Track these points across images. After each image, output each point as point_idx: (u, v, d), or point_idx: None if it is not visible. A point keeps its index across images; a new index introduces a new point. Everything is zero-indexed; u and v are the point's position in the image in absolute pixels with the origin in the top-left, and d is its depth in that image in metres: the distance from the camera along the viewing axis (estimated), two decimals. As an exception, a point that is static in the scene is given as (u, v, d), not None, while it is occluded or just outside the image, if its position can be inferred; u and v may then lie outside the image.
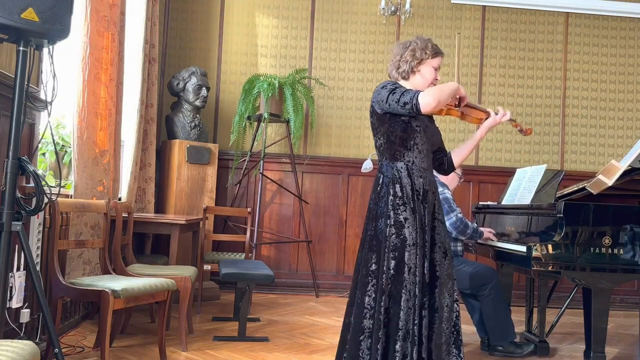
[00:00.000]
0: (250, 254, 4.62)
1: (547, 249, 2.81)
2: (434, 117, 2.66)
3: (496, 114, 2.60)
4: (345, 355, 2.38)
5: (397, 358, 2.22)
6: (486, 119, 2.59)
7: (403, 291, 2.25)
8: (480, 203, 4.10)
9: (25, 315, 2.74)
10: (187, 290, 3.25)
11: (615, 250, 2.80)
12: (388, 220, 2.32)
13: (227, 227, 5.30)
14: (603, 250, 2.80)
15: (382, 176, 2.43)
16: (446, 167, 2.64)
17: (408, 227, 2.30)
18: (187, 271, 3.42)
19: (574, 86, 5.85)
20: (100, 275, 3.10)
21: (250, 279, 3.53)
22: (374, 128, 2.48)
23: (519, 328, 3.71)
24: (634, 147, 2.83)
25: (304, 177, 5.60)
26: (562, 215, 2.84)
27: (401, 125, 2.38)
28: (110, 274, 3.15)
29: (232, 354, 3.22)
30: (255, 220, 5.00)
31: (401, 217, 2.31)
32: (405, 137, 2.39)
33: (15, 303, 2.60)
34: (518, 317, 3.83)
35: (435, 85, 2.50)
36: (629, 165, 2.76)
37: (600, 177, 2.76)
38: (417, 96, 2.29)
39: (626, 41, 5.90)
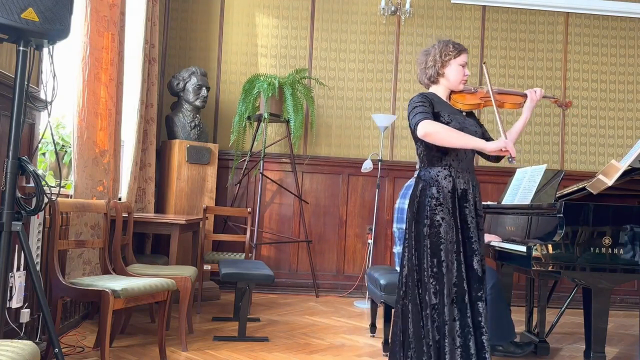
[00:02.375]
0: (250, 254, 4.62)
1: (547, 249, 2.81)
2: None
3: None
4: (406, 351, 2.44)
5: (447, 350, 2.32)
6: (524, 101, 2.61)
7: (445, 288, 2.35)
8: (480, 203, 4.09)
9: (25, 315, 2.74)
10: (187, 290, 3.25)
11: (615, 250, 2.79)
12: (426, 221, 2.41)
13: (227, 227, 5.30)
14: (603, 250, 2.79)
15: (419, 179, 2.51)
16: (494, 156, 2.65)
17: (444, 226, 2.39)
18: (187, 271, 3.42)
19: (574, 86, 5.85)
20: (100, 275, 3.10)
21: (250, 279, 3.53)
22: (414, 136, 2.52)
23: (519, 328, 3.71)
24: (634, 147, 2.83)
25: (304, 177, 5.60)
26: (562, 215, 2.83)
27: None
28: (110, 274, 3.15)
29: (232, 354, 3.22)
30: (255, 220, 5.00)
31: (438, 217, 2.40)
32: None
33: (15, 303, 2.60)
34: (518, 317, 3.83)
35: (465, 81, 2.56)
36: (629, 165, 2.76)
37: (600, 177, 2.76)
38: (419, 122, 2.35)
39: (626, 41, 5.89)
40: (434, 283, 2.37)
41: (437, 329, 2.35)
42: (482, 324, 2.39)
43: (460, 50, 2.54)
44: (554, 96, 2.77)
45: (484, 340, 2.38)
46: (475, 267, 2.42)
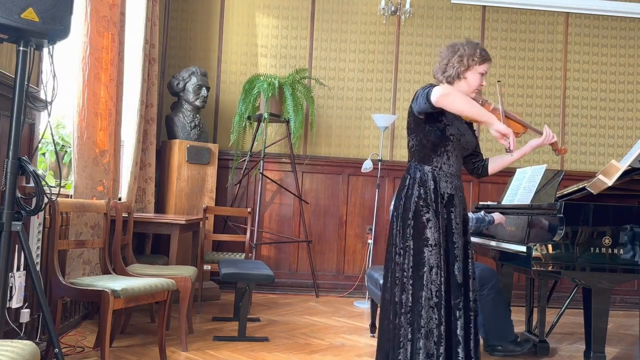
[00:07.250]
0: (250, 254, 4.62)
1: (547, 249, 2.81)
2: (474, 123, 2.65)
3: (540, 133, 2.55)
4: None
5: (421, 356, 2.26)
6: (522, 134, 2.54)
7: (424, 290, 2.30)
8: (480, 203, 4.10)
9: (25, 315, 2.74)
10: (187, 290, 3.25)
11: (615, 250, 2.80)
12: (410, 221, 2.37)
13: (227, 227, 5.30)
14: (603, 250, 2.80)
15: (409, 177, 2.49)
16: (480, 172, 2.67)
17: (430, 227, 2.36)
18: (187, 271, 3.42)
19: (574, 86, 5.85)
20: (100, 275, 3.10)
21: (250, 279, 3.53)
22: (409, 128, 2.51)
23: (519, 328, 3.71)
24: (634, 147, 2.83)
25: (304, 177, 5.60)
26: (562, 215, 2.84)
27: (436, 133, 2.42)
28: (110, 274, 3.15)
29: (232, 354, 3.22)
30: (255, 220, 5.00)
31: (424, 218, 2.37)
32: (438, 144, 2.43)
33: (15, 303, 2.60)
34: (518, 317, 3.83)
35: (479, 91, 2.51)
36: (629, 165, 2.76)
37: (600, 177, 2.76)
38: (434, 88, 2.29)
39: (626, 41, 5.89)
40: (412, 284, 2.32)
41: (412, 331, 2.29)
42: (459, 333, 2.32)
43: (485, 59, 2.48)
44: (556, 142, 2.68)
45: (471, 348, 2.34)
46: (456, 273, 2.37)
